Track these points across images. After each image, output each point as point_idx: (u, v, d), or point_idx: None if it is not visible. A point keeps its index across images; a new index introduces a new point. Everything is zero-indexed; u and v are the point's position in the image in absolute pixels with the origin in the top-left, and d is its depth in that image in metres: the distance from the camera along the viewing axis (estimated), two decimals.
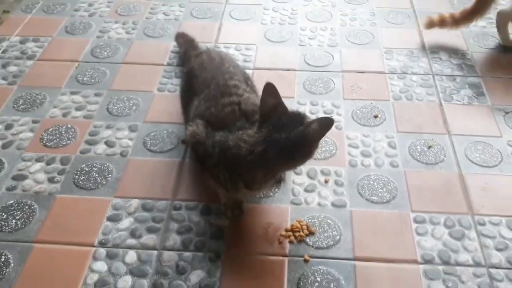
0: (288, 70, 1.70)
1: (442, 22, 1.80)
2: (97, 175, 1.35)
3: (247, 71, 1.66)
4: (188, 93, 1.33)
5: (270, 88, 1.08)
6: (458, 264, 1.14)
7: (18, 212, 1.25)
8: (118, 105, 1.57)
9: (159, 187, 1.32)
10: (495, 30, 1.83)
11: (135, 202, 1.28)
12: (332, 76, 1.67)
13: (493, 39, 1.82)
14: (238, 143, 1.08)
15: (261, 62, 1.74)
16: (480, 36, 1.84)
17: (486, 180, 1.33)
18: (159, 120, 1.51)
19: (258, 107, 1.13)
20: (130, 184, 1.33)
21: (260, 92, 1.11)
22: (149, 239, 1.19)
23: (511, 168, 1.37)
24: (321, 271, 1.13)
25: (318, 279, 1.11)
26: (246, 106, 1.19)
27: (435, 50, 1.78)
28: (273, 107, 1.08)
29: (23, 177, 1.34)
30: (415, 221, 1.23)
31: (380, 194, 1.30)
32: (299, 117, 1.09)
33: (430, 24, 1.82)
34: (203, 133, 1.17)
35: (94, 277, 1.12)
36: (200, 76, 1.30)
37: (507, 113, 1.53)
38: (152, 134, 1.47)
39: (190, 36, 1.68)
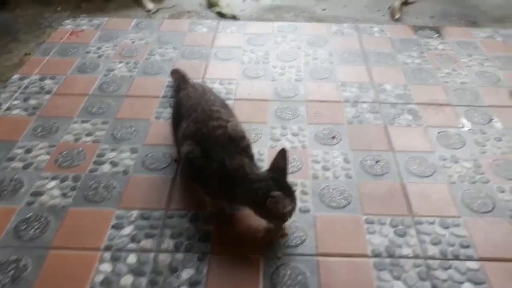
0: (263, 100, 1.72)
1: None
2: (103, 190, 1.34)
3: (230, 101, 1.69)
4: (177, 119, 1.34)
5: (283, 153, 1.16)
6: (401, 256, 1.16)
7: (35, 223, 1.23)
8: (122, 131, 1.56)
9: (156, 199, 1.31)
10: (429, 66, 1.88)
11: (135, 212, 1.27)
12: (298, 105, 1.69)
13: (427, 74, 1.87)
14: (245, 170, 1.14)
15: (241, 94, 1.75)
16: (417, 71, 1.88)
17: (423, 187, 1.36)
18: (155, 143, 1.51)
19: (244, 134, 1.22)
20: (131, 197, 1.32)
21: (237, 116, 1.16)
22: (147, 243, 1.19)
23: (442, 177, 1.39)
24: (291, 266, 1.13)
25: (288, 272, 1.12)
26: (233, 132, 1.21)
27: (381, 83, 1.81)
28: (281, 168, 1.16)
29: (40, 193, 1.32)
30: (366, 222, 1.25)
31: (338, 201, 1.31)
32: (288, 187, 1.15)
33: None
34: (198, 150, 1.18)
35: (101, 277, 1.10)
36: (186, 104, 1.32)
37: (439, 133, 1.56)
38: (150, 155, 1.46)
39: (182, 71, 1.68)
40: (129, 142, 1.52)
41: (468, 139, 1.53)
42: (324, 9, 2.49)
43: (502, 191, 1.35)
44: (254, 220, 1.21)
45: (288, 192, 1.13)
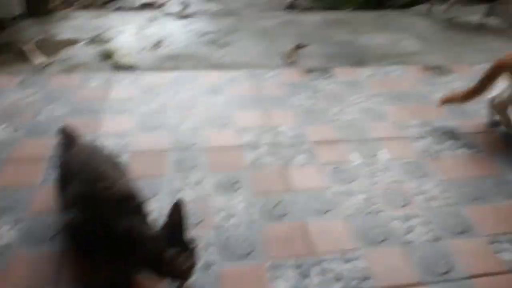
0: (161, 152, 1.69)
1: (452, 98, 1.90)
2: None
3: (125, 156, 1.63)
4: (63, 182, 1.25)
5: (178, 207, 1.09)
6: None
7: None
8: (2, 201, 1.42)
9: (43, 276, 1.19)
10: (320, 106, 2.01)
11: None
12: (198, 154, 1.68)
13: (318, 113, 1.98)
14: (136, 232, 1.07)
15: (137, 148, 1.70)
16: (309, 112, 1.98)
17: (322, 224, 1.41)
18: (42, 211, 1.39)
19: (133, 193, 1.16)
20: (14, 276, 1.19)
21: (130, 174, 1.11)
22: None
23: (339, 212, 1.46)
24: None
25: None
26: (122, 192, 1.17)
27: (277, 126, 1.87)
28: (176, 223, 1.09)
29: None
30: (271, 267, 1.25)
31: (242, 249, 1.30)
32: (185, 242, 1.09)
33: (445, 100, 1.91)
34: (82, 217, 1.11)
35: None
36: (72, 165, 1.25)
37: (333, 168, 1.65)
38: (36, 225, 1.34)
39: (71, 129, 1.57)
40: (11, 212, 1.38)
41: (360, 173, 1.63)
42: (223, 56, 2.57)
43: (393, 219, 1.44)
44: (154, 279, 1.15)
45: (186, 248, 1.09)
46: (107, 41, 2.67)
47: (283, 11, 3.93)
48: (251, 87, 2.15)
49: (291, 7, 4.14)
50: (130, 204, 1.15)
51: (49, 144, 1.68)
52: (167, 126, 1.84)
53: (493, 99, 1.90)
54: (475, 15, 3.36)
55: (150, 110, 1.94)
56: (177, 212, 1.12)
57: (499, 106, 1.87)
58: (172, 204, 1.11)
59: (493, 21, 3.20)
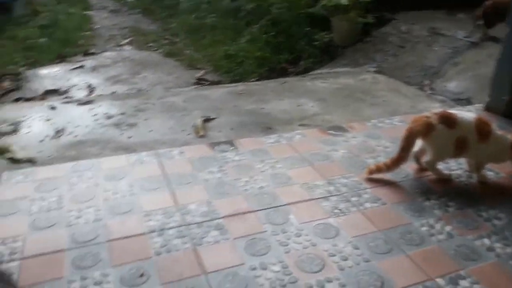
0: (57, 252, 1.54)
1: (378, 169, 1.98)
2: None
3: (15, 263, 1.47)
4: None
5: None
6: None
7: None
8: None
9: None
10: (229, 178, 2.00)
11: None
12: (100, 248, 1.56)
13: (227, 186, 1.96)
14: None
15: (29, 251, 1.53)
16: (218, 185, 1.95)
17: None
18: None
19: None
20: None
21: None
22: None
23: None
24: None
25: None
26: None
27: (185, 204, 1.81)
28: None
29: None
30: None
31: None
32: None
33: (370, 172, 1.99)
34: None
35: None
36: None
37: (246, 242, 1.60)
38: None
39: None
40: None
41: (272, 242, 1.61)
42: (130, 137, 2.52)
43: (310, 287, 1.41)
44: None
45: None
46: (2, 135, 2.50)
47: (191, 87, 4.03)
48: (157, 167, 2.09)
49: (198, 83, 4.27)
50: None
51: None
52: (63, 222, 1.70)
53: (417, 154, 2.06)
54: (368, 73, 3.71)
55: (44, 207, 1.79)
56: None
57: (429, 164, 2.03)
58: None
59: (382, 77, 3.54)
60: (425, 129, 1.92)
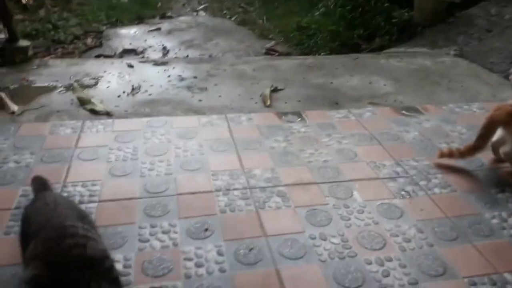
0: (130, 199, 1.65)
1: (450, 153, 1.90)
2: None
3: (93, 204, 1.59)
4: (25, 235, 1.20)
5: None
6: None
7: None
8: None
9: None
10: (294, 148, 2.01)
11: None
12: (169, 200, 1.65)
13: (292, 156, 1.98)
14: None
15: (106, 195, 1.66)
16: (283, 154, 1.98)
17: (296, 270, 1.37)
18: (3, 263, 1.33)
19: (106, 254, 1.10)
20: None
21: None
22: None
23: (313, 257, 1.42)
24: None
25: None
26: (94, 252, 1.09)
27: (251, 169, 1.86)
28: None
29: None
30: None
31: None
32: None
33: (441, 155, 1.92)
34: (46, 276, 1.03)
35: None
36: (33, 221, 1.19)
37: (307, 212, 1.62)
38: None
39: (44, 179, 1.50)
40: None
41: (334, 215, 1.61)
42: (200, 100, 2.59)
43: (369, 263, 1.41)
44: None
45: None
46: (84, 87, 2.67)
47: (261, 56, 4.03)
48: (225, 130, 2.15)
49: (268, 53, 4.26)
50: (101, 266, 1.08)
51: (14, 194, 1.64)
52: (137, 172, 1.81)
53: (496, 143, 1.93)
54: (447, 56, 3.50)
55: (120, 157, 1.91)
56: None
57: (508, 155, 1.88)
58: None
59: (462, 61, 3.32)
60: (508, 118, 1.80)
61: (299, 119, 2.29)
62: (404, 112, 2.40)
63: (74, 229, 1.14)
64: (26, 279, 1.07)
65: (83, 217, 1.27)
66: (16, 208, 1.56)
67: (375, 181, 1.81)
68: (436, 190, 1.76)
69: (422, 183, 1.81)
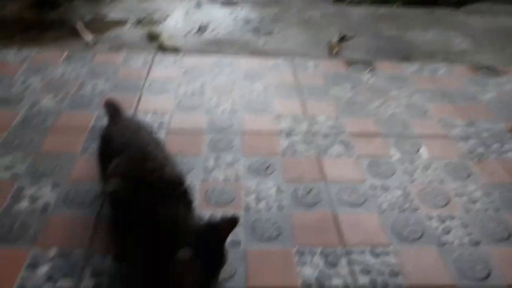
0: (197, 132, 1.70)
1: None
2: (19, 228, 1.24)
3: (162, 134, 1.66)
4: (105, 154, 1.26)
5: (232, 221, 1.07)
6: (331, 287, 1.15)
7: None
8: (44, 166, 1.48)
9: (77, 236, 1.23)
10: (361, 98, 1.96)
11: (53, 251, 1.18)
12: (233, 136, 1.69)
13: (358, 106, 1.94)
14: (177, 221, 1.04)
15: (174, 127, 1.72)
16: (349, 104, 1.94)
17: (354, 217, 1.37)
18: (80, 179, 1.44)
19: (183, 178, 1.15)
20: (50, 235, 1.23)
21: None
22: (64, 283, 1.10)
23: (373, 206, 1.42)
24: None
25: None
26: (171, 176, 1.15)
27: (314, 115, 1.84)
28: (221, 233, 1.07)
29: None
30: (297, 253, 1.23)
31: (269, 232, 1.29)
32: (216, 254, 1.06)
33: None
34: (127, 191, 1.10)
35: None
36: (116, 140, 1.25)
37: (369, 162, 1.60)
38: (73, 191, 1.39)
39: (117, 103, 1.56)
40: (51, 177, 1.44)
41: (398, 168, 1.58)
42: (266, 44, 2.56)
43: (430, 219, 1.39)
44: None
45: (213, 258, 1.04)
46: (154, 23, 2.72)
47: (330, 3, 3.87)
48: (291, 75, 2.13)
49: (339, 0, 4.07)
50: (177, 190, 1.13)
51: (90, 117, 1.74)
52: (205, 107, 1.85)
53: None
54: None
55: (189, 91, 1.96)
56: (229, 225, 1.08)
57: None
58: (230, 216, 1.08)
59: None
60: None
61: (369, 69, 2.21)
62: (481, 71, 2.25)
63: (154, 153, 1.20)
64: (107, 194, 1.16)
65: (160, 143, 1.33)
66: (91, 131, 1.67)
67: (444, 139, 1.75)
68: (510, 155, 1.67)
69: (494, 146, 1.71)
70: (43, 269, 1.13)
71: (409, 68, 2.25)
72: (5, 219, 1.27)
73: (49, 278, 1.11)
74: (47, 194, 1.37)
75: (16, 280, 1.10)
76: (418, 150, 1.68)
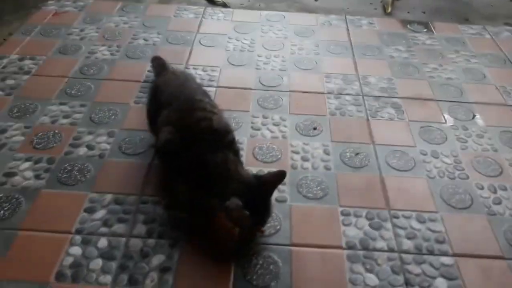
0: (245, 89, 1.70)
1: None
2: (77, 173, 1.31)
3: (212, 89, 1.67)
4: (154, 106, 1.30)
5: (280, 174, 1.10)
6: (375, 250, 1.15)
7: (6, 204, 1.21)
8: (100, 115, 1.53)
9: (130, 184, 1.29)
10: (416, 60, 1.88)
11: (108, 197, 1.25)
12: (281, 95, 1.67)
13: (413, 68, 1.86)
14: (229, 168, 1.08)
15: (223, 82, 1.72)
16: (403, 65, 1.87)
17: (401, 181, 1.35)
18: (133, 128, 1.48)
19: (230, 128, 1.18)
20: (106, 181, 1.30)
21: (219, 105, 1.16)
22: (119, 228, 1.17)
23: (422, 172, 1.39)
24: (263, 255, 1.12)
25: (260, 262, 1.10)
26: (219, 125, 1.17)
27: (366, 76, 1.79)
28: (269, 183, 1.10)
29: (13, 174, 1.30)
30: (342, 214, 1.24)
31: (315, 192, 1.30)
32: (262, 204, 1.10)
33: None
34: (176, 142, 1.14)
35: (70, 260, 1.08)
36: (165, 91, 1.28)
37: (421, 127, 1.56)
38: (127, 139, 1.44)
39: (163, 59, 1.61)
40: (106, 125, 1.49)
41: (450, 135, 1.53)
42: (317, 0, 2.47)
43: (481, 188, 1.34)
44: None
45: (259, 209, 1.07)
46: None
47: None
48: (343, 33, 2.05)
49: None
50: (225, 138, 1.15)
51: (142, 68, 1.77)
52: (254, 64, 1.83)
53: None
54: None
55: (238, 47, 1.94)
56: (277, 177, 1.11)
57: None
58: (279, 170, 1.11)
59: None
60: None
61: (425, 29, 2.10)
62: None
63: (202, 104, 1.22)
64: (158, 144, 1.20)
65: (207, 94, 1.34)
66: (145, 81, 1.70)
67: (502, 107, 1.66)
68: None
69: None
70: (100, 214, 1.20)
71: (469, 30, 2.11)
72: (65, 164, 1.34)
73: (105, 222, 1.18)
74: (103, 141, 1.43)
75: (75, 223, 1.18)
76: (473, 117, 1.60)
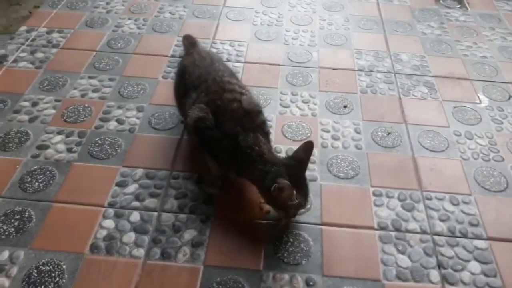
0: (274, 64, 1.65)
1: None
2: (108, 147, 1.31)
3: (239, 64, 1.63)
4: (182, 87, 1.26)
5: (308, 146, 1.10)
6: (407, 231, 1.13)
7: (40, 176, 1.22)
8: (128, 89, 1.52)
9: (161, 159, 1.28)
10: (449, 37, 1.80)
11: (139, 171, 1.24)
12: (310, 71, 1.63)
13: (446, 45, 1.78)
14: (261, 149, 1.08)
15: (251, 57, 1.68)
16: (436, 43, 1.80)
17: (434, 162, 1.31)
18: (162, 103, 1.47)
19: (260, 109, 1.16)
20: (136, 155, 1.29)
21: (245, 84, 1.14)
22: (150, 202, 1.17)
23: (455, 153, 1.35)
24: (294, 233, 1.11)
25: (291, 240, 1.10)
26: (249, 106, 1.15)
27: (397, 53, 1.73)
28: (301, 159, 1.10)
29: (45, 147, 1.30)
30: (374, 194, 1.21)
31: (345, 171, 1.27)
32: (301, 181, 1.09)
33: None
34: (210, 119, 1.12)
35: (103, 232, 1.09)
36: (193, 72, 1.24)
37: (454, 107, 1.50)
38: (156, 114, 1.43)
39: (194, 38, 1.51)
40: (135, 100, 1.48)
41: (484, 116, 1.47)
42: None
43: None
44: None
45: (300, 186, 1.06)
46: None
47: None
48: (373, 8, 1.97)
49: None
50: (255, 119, 1.13)
51: (170, 42, 1.74)
52: (282, 39, 1.78)
53: None
54: None
55: (266, 21, 1.88)
56: (306, 150, 1.10)
57: None
58: (304, 142, 1.10)
59: None
60: None
61: (459, 5, 2.00)
62: None
63: (231, 85, 1.18)
64: (190, 118, 1.17)
65: (234, 74, 1.30)
66: (172, 56, 1.67)
67: None
68: None
69: None
70: (132, 188, 1.20)
71: (504, 7, 2.01)
72: (96, 138, 1.34)
73: (137, 196, 1.18)
74: (132, 116, 1.42)
75: (107, 197, 1.18)
76: (509, 98, 1.54)
